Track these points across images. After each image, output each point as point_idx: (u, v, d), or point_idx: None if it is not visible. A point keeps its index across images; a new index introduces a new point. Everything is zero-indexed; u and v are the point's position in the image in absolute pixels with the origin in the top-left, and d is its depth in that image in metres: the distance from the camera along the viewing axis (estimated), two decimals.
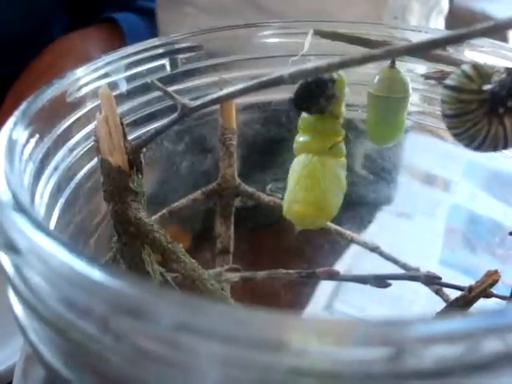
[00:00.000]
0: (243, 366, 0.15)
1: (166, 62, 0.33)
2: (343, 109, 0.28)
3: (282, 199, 0.36)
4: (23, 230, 0.19)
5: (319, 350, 0.15)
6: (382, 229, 0.49)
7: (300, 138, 0.28)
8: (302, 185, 0.28)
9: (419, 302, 0.48)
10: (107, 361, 0.17)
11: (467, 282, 0.31)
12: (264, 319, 0.15)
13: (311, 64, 0.22)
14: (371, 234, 0.48)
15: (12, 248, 0.19)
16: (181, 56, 0.34)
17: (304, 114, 0.28)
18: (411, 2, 0.72)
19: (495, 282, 0.30)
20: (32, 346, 0.20)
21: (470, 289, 0.30)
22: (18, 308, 0.20)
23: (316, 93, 0.27)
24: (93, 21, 0.81)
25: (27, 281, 0.19)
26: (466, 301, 0.30)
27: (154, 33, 0.83)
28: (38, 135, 0.25)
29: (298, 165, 0.28)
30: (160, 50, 0.33)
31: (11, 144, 0.23)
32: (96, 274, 0.16)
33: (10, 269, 0.19)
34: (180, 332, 0.15)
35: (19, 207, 0.20)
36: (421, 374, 0.16)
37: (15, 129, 0.24)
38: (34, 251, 0.18)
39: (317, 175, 0.28)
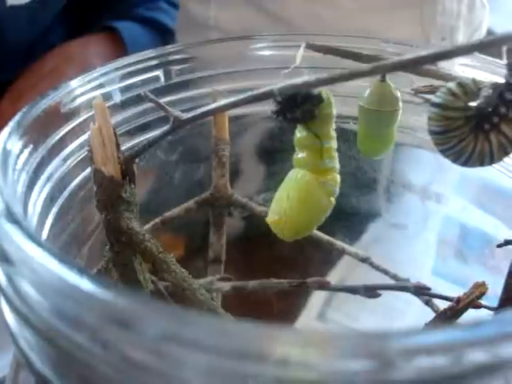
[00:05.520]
0: (228, 376, 0.15)
1: (160, 73, 0.33)
2: (333, 126, 0.28)
3: None
4: (15, 241, 0.19)
5: (303, 361, 0.15)
6: (375, 239, 0.50)
7: (298, 155, 0.29)
8: (277, 195, 0.28)
9: (411, 311, 0.48)
10: (95, 369, 0.17)
11: (459, 291, 0.32)
12: (248, 330, 0.15)
13: (300, 79, 0.23)
14: (364, 244, 0.48)
15: (4, 258, 0.19)
16: (175, 67, 0.34)
17: (298, 132, 0.28)
18: (459, 22, 0.70)
19: (482, 293, 0.30)
20: (23, 354, 0.20)
21: (458, 300, 0.31)
22: (10, 317, 0.20)
23: (299, 100, 0.26)
24: (91, 30, 0.81)
25: (19, 290, 0.19)
26: (454, 312, 0.31)
27: (156, 42, 0.83)
28: (32, 145, 0.26)
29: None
30: (154, 62, 0.33)
31: (5, 154, 0.23)
32: (85, 284, 0.17)
33: (2, 278, 0.20)
34: (166, 342, 0.16)
35: (12, 218, 0.20)
36: None
37: (9, 139, 0.24)
38: (26, 262, 0.18)
39: (289, 188, 0.28)
